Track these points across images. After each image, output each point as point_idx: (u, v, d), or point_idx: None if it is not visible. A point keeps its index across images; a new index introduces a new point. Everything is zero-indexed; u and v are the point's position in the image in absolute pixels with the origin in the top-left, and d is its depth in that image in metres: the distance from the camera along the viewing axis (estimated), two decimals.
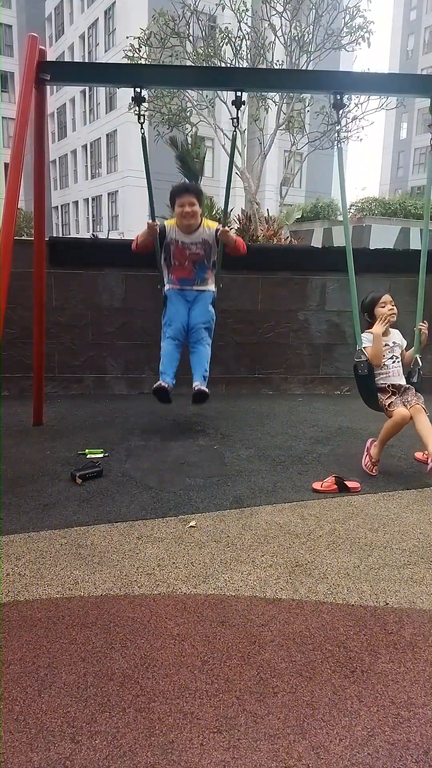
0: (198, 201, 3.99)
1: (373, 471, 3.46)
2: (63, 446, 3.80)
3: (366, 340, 3.49)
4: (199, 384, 3.88)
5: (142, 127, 3.68)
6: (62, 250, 5.10)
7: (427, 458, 3.62)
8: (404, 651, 1.85)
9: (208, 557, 2.42)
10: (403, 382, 3.55)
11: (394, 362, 3.54)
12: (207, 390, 3.87)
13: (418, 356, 3.59)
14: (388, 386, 3.48)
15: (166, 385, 3.85)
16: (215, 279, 4.23)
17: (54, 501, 2.97)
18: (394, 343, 3.58)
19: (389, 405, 3.40)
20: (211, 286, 4.22)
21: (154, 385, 3.85)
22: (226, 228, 4.02)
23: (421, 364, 3.60)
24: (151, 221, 3.96)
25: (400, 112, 43.03)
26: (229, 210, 7.05)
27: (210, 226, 4.06)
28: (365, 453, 3.55)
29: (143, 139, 3.75)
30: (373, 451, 3.49)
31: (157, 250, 4.06)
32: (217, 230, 3.97)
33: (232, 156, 3.87)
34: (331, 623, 1.99)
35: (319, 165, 29.37)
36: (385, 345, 3.51)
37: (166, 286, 4.18)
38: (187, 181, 9.81)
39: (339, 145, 3.72)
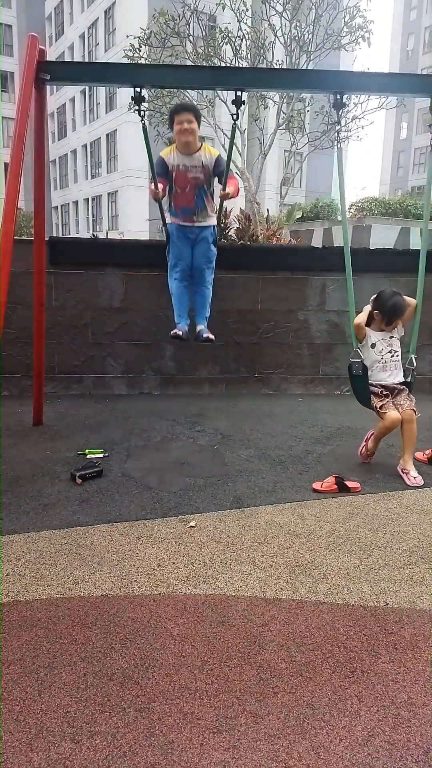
0: (196, 119, 4.03)
1: (367, 460, 3.61)
2: (63, 446, 3.80)
3: (358, 317, 3.56)
4: (204, 330, 4.25)
5: (143, 119, 3.70)
6: (62, 250, 5.10)
7: (426, 458, 3.67)
8: (404, 651, 1.85)
9: (208, 557, 2.42)
10: (398, 380, 3.57)
11: (392, 357, 3.56)
12: (212, 337, 4.24)
13: (413, 356, 3.63)
14: (381, 391, 3.52)
15: (182, 333, 4.15)
16: (215, 210, 4.30)
17: (54, 501, 2.97)
18: (391, 337, 3.58)
19: (381, 407, 3.45)
20: (212, 219, 4.30)
21: (171, 333, 4.15)
22: (227, 191, 4.01)
23: (415, 364, 3.63)
24: (153, 187, 4.00)
25: (400, 112, 43.03)
26: (229, 210, 7.06)
27: (211, 152, 4.12)
28: (363, 442, 3.66)
29: (144, 127, 3.76)
30: (370, 444, 3.60)
31: (158, 194, 4.04)
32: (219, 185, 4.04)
33: (232, 139, 3.91)
34: (331, 623, 1.99)
35: (319, 165, 29.37)
36: (391, 337, 3.55)
37: (169, 220, 4.29)
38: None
39: (339, 145, 3.72)
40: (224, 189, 3.92)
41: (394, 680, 1.72)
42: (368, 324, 3.56)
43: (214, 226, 4.32)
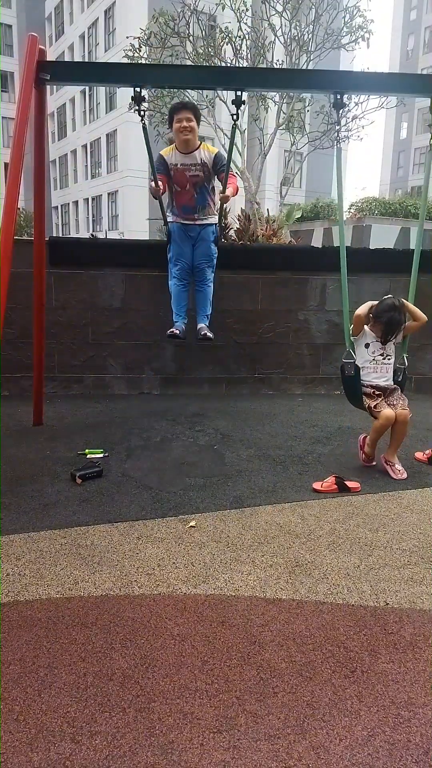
0: (195, 117, 4.03)
1: (369, 463, 3.61)
2: (63, 446, 3.80)
3: (360, 309, 3.51)
4: (203, 328, 4.24)
5: (142, 119, 3.67)
6: (62, 250, 5.10)
7: (426, 458, 3.68)
8: (404, 651, 1.85)
9: (208, 557, 2.42)
10: (389, 383, 3.60)
11: (384, 359, 3.57)
12: (211, 335, 4.25)
13: (405, 356, 3.67)
14: (373, 391, 3.53)
15: (179, 332, 4.14)
16: (217, 208, 4.30)
17: (54, 501, 2.96)
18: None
19: (375, 407, 3.47)
20: (213, 218, 4.32)
21: (168, 332, 4.13)
22: (226, 194, 4.00)
23: (407, 363, 3.66)
24: (152, 184, 3.99)
25: (400, 112, 43.02)
26: (228, 210, 7.04)
27: (209, 150, 4.13)
28: (360, 451, 3.67)
29: (144, 127, 3.73)
30: (367, 449, 3.59)
31: (158, 190, 4.02)
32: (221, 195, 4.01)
33: (232, 139, 3.89)
34: (331, 623, 1.99)
35: (319, 165, 29.36)
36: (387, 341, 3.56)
37: (170, 218, 4.29)
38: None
39: (338, 145, 3.72)
40: (224, 191, 3.92)
41: (394, 680, 1.72)
42: (367, 321, 3.55)
43: (215, 225, 4.34)
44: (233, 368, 5.44)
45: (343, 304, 3.56)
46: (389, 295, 3.58)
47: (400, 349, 3.69)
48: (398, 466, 3.46)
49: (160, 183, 3.97)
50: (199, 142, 4.12)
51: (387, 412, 3.39)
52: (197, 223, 4.25)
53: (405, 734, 1.51)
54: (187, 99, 11.87)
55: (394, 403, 3.51)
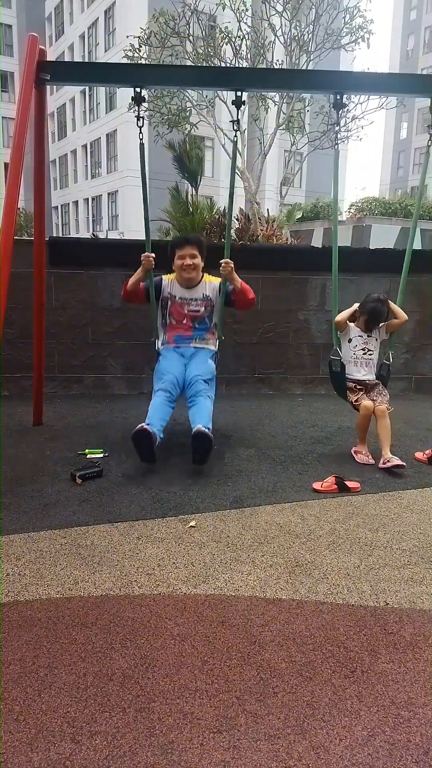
0: (200, 253, 3.68)
1: (370, 461, 3.64)
2: (63, 446, 3.80)
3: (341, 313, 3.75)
4: (200, 426, 3.24)
5: (141, 132, 3.47)
6: (62, 250, 5.10)
7: (426, 458, 3.68)
8: (404, 651, 1.85)
9: (208, 557, 2.42)
10: (371, 377, 3.77)
11: (365, 354, 3.75)
12: (210, 434, 3.23)
13: (391, 352, 3.83)
14: (355, 386, 3.72)
15: (149, 429, 3.17)
16: (217, 335, 3.85)
17: (54, 501, 2.96)
18: (368, 336, 3.77)
19: (356, 401, 3.68)
20: (212, 346, 3.83)
21: (135, 429, 3.18)
22: (229, 261, 3.56)
23: (391, 360, 3.83)
24: (146, 253, 3.60)
25: (400, 112, 43.00)
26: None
27: (212, 280, 3.78)
28: (355, 456, 3.71)
29: (141, 147, 3.51)
30: (360, 447, 3.72)
31: (152, 302, 3.73)
32: (219, 284, 3.68)
33: (233, 166, 3.65)
34: (331, 623, 1.99)
35: (319, 165, 29.29)
36: (368, 336, 3.77)
37: (160, 345, 3.81)
38: (186, 180, 9.79)
39: (336, 146, 3.72)
40: (238, 287, 3.62)
41: (394, 680, 1.72)
42: (353, 320, 3.80)
43: (215, 352, 3.83)
44: (233, 368, 5.44)
45: (333, 302, 3.73)
46: (371, 292, 3.86)
47: (387, 346, 3.87)
48: (395, 459, 3.49)
49: (152, 255, 3.56)
50: (202, 275, 3.77)
51: (365, 403, 3.60)
52: (193, 346, 3.75)
53: (405, 734, 1.51)
54: (187, 100, 11.89)
55: (374, 398, 3.68)
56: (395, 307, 3.75)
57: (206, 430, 3.22)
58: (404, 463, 3.46)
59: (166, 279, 3.81)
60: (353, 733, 1.51)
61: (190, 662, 1.78)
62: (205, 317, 3.76)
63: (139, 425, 3.21)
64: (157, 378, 3.61)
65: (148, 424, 3.22)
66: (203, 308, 3.73)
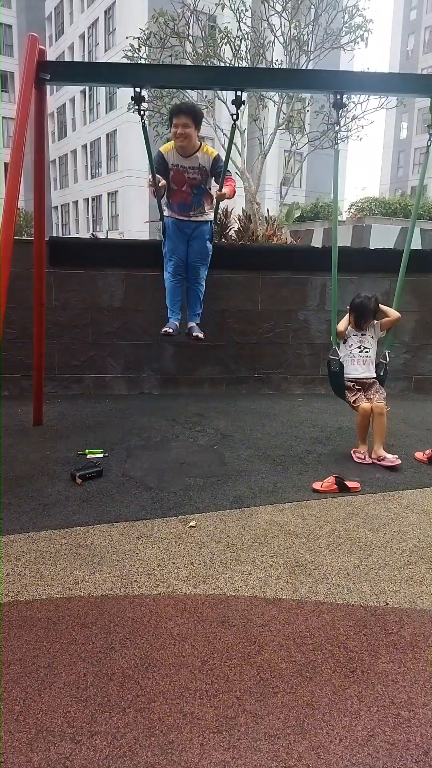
0: (194, 122, 3.99)
1: (371, 459, 3.66)
2: (63, 446, 3.80)
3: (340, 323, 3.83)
4: (194, 327, 4.33)
5: (142, 119, 3.69)
6: (62, 250, 5.10)
7: (426, 458, 3.69)
8: (404, 651, 1.85)
9: (208, 557, 2.42)
10: (369, 375, 3.79)
11: (361, 352, 3.79)
12: (203, 336, 4.32)
13: (387, 352, 3.86)
14: (353, 385, 3.76)
15: (172, 330, 4.20)
16: (212, 205, 4.32)
17: (54, 501, 2.96)
18: (363, 335, 3.79)
19: (354, 401, 3.72)
20: (209, 215, 4.34)
21: (162, 331, 4.19)
22: (223, 192, 4.06)
23: (388, 360, 3.86)
24: (151, 178, 3.98)
25: (400, 112, 43.00)
26: (229, 210, 7.04)
27: (209, 152, 4.14)
28: (354, 456, 3.72)
29: (144, 127, 3.76)
30: (359, 446, 3.73)
31: (155, 182, 4.08)
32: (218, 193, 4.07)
33: (231, 139, 3.90)
34: (331, 623, 1.99)
35: (319, 165, 29.33)
36: (363, 335, 3.81)
37: (166, 212, 4.32)
38: None
39: (336, 146, 3.72)
40: (221, 189, 3.98)
41: (394, 680, 1.72)
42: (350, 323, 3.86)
43: (210, 222, 4.36)
44: (233, 368, 5.44)
45: (332, 302, 3.74)
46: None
47: (383, 344, 3.89)
48: (390, 457, 3.54)
49: (162, 182, 3.99)
50: (199, 143, 4.10)
51: (363, 406, 3.65)
52: (192, 220, 4.28)
53: (405, 734, 1.51)
54: (187, 100, 11.89)
55: (371, 397, 3.72)
56: (385, 307, 3.81)
57: (198, 333, 4.29)
58: (397, 464, 3.49)
59: (166, 150, 4.12)
60: (353, 733, 1.51)
61: (190, 662, 1.78)
62: (202, 183, 4.21)
63: (164, 329, 4.16)
64: (167, 258, 4.33)
65: (170, 320, 4.24)
66: (199, 176, 4.16)
